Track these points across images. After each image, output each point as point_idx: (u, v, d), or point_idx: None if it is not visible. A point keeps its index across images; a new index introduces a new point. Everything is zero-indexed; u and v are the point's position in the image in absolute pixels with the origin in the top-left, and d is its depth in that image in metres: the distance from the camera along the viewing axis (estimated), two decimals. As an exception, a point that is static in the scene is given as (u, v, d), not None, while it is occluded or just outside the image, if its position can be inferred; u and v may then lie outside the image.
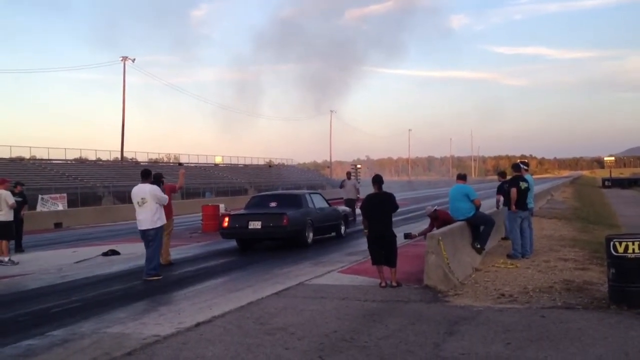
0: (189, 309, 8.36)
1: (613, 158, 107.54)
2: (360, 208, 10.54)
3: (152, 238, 11.22)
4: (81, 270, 12.80)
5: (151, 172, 11.98)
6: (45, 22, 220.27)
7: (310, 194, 17.56)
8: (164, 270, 11.80)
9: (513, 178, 12.14)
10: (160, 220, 11.37)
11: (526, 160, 14.10)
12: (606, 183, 75.24)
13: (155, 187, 11.60)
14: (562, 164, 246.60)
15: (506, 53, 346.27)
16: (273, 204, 16.13)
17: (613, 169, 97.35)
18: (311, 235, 15.82)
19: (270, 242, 16.24)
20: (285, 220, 14.90)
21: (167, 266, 12.38)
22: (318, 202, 17.05)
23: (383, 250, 9.47)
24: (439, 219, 13.13)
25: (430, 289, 8.89)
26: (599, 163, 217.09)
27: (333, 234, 17.51)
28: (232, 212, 17.29)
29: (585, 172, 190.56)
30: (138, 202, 11.31)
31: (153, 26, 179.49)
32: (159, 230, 11.38)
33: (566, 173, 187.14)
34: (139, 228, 11.38)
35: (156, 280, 10.98)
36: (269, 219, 15.15)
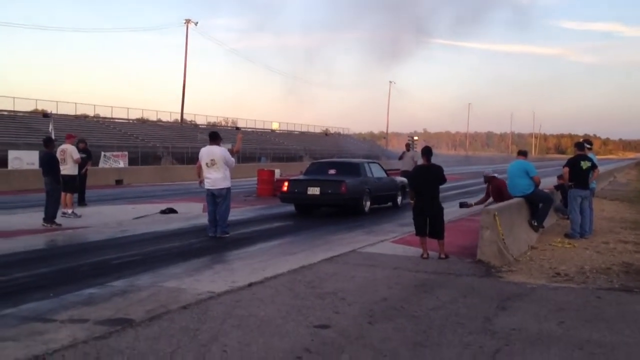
0: (242, 269, 8.54)
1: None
2: (408, 179, 10.42)
3: (223, 198, 11.61)
4: (140, 226, 13.19)
5: (219, 135, 12.21)
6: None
7: (369, 163, 17.68)
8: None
9: (574, 157, 11.81)
10: (228, 180, 11.73)
11: (590, 139, 13.65)
12: (673, 167, 72.26)
13: (224, 149, 11.89)
14: (628, 145, 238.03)
15: (576, 29, 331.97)
16: (332, 171, 16.33)
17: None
18: (368, 204, 15.97)
19: (326, 209, 16.43)
20: (343, 188, 15.09)
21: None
22: (376, 171, 17.19)
23: (429, 222, 9.42)
24: (492, 183, 13.00)
25: (484, 264, 8.81)
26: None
27: (389, 203, 17.62)
28: (292, 177, 17.54)
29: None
30: (207, 164, 11.60)
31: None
32: (228, 191, 11.74)
33: (631, 155, 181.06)
34: (208, 187, 11.66)
35: (225, 238, 11.45)
36: (328, 185, 15.37)
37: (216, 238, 11.44)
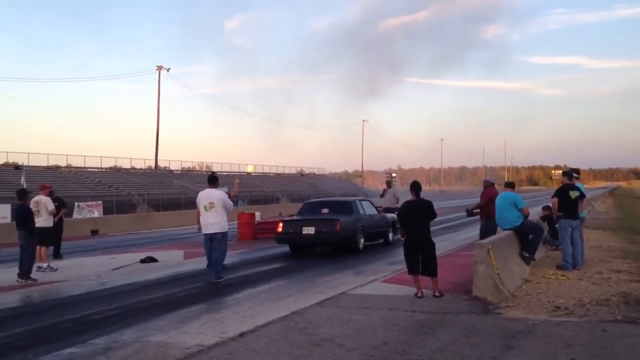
0: (231, 318, 8.16)
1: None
2: (397, 215, 10.21)
3: (219, 242, 11.35)
4: (120, 277, 12.71)
5: (217, 178, 12.12)
6: (81, 32, 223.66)
7: (360, 200, 17.86)
8: (202, 277, 11.80)
9: (562, 187, 11.69)
10: (226, 224, 11.49)
11: (577, 168, 13.58)
12: (645, 194, 73.32)
13: (222, 192, 11.74)
14: (598, 174, 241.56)
15: (541, 63, 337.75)
16: (325, 210, 16.37)
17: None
18: (362, 241, 15.95)
19: (319, 248, 16.47)
20: (338, 226, 15.10)
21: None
22: (368, 208, 17.28)
23: (421, 259, 9.15)
24: (488, 189, 13.02)
25: (480, 300, 8.53)
26: (636, 174, 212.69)
27: (381, 240, 17.56)
28: (286, 218, 17.61)
29: (622, 183, 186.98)
30: (205, 207, 11.36)
31: (188, 37, 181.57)
32: (224, 235, 11.49)
33: (601, 184, 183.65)
34: (206, 232, 11.39)
35: (218, 283, 11.22)
36: (323, 224, 15.36)
37: (202, 285, 11.06)
